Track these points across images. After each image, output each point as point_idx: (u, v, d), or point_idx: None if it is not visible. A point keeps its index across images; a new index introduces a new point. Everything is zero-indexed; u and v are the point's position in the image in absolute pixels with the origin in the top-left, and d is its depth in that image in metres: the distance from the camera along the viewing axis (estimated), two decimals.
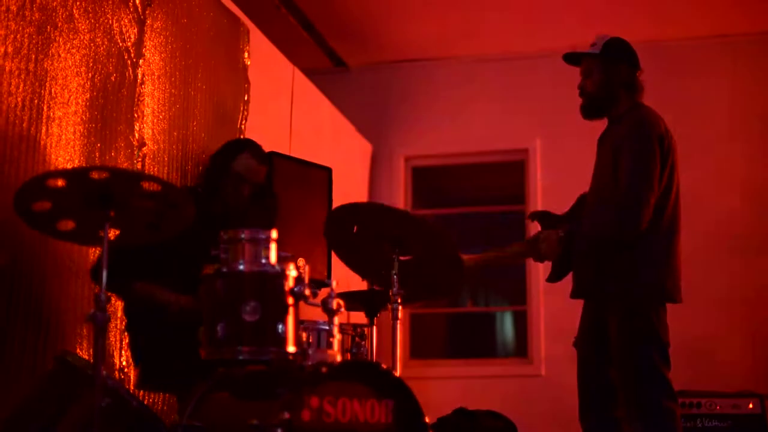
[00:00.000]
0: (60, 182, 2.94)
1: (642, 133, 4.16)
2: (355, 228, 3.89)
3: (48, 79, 4.04)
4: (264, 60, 6.14)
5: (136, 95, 4.72)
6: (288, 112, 6.58)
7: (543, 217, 4.54)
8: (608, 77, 4.32)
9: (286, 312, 3.19)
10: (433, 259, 3.93)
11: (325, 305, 3.30)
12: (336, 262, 5.62)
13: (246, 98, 5.84)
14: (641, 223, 4.04)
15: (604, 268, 4.17)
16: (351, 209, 3.90)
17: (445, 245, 3.87)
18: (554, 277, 4.45)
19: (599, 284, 4.20)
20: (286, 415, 2.91)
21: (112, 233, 3.11)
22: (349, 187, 7.40)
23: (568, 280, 4.44)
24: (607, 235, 4.14)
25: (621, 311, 4.11)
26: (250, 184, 4.38)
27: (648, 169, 4.08)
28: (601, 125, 4.47)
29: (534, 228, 4.61)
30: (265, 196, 4.52)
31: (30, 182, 3.03)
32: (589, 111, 4.38)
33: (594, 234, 4.19)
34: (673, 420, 4.03)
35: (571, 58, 4.45)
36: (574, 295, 4.34)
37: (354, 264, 4.11)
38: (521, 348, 8.03)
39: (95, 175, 2.94)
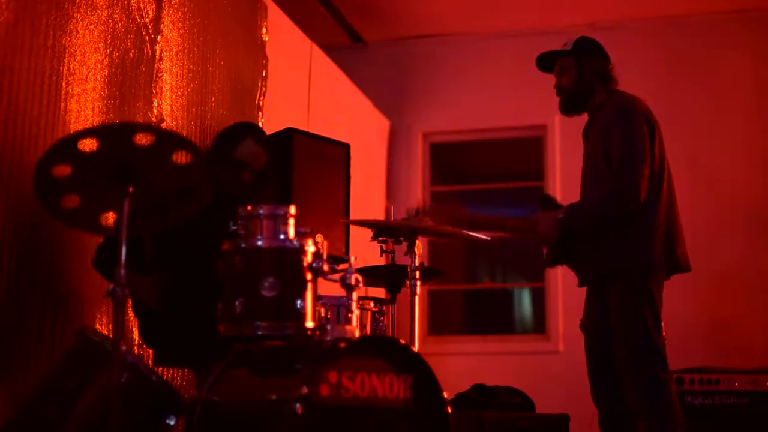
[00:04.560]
0: (92, 144, 2.88)
1: (626, 112, 4.25)
2: None
3: (66, 55, 4.04)
4: (282, 36, 6.13)
5: (155, 71, 4.72)
6: (306, 88, 6.58)
7: (544, 200, 4.55)
8: (582, 72, 4.41)
9: (304, 287, 3.19)
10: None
11: (344, 281, 3.31)
12: (354, 237, 5.64)
13: (264, 74, 5.83)
14: (639, 194, 4.09)
15: (602, 247, 4.20)
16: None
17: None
18: (550, 261, 4.48)
19: (600, 263, 4.23)
20: (305, 390, 2.92)
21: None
22: (367, 164, 7.39)
23: None
24: (606, 209, 4.17)
25: (621, 283, 4.16)
26: (251, 170, 4.31)
27: (638, 143, 4.15)
28: None
29: None
30: (265, 182, 4.40)
31: (60, 142, 2.98)
32: (568, 107, 4.50)
33: (593, 210, 4.22)
34: (664, 390, 4.05)
35: (544, 62, 4.54)
36: (582, 283, 4.38)
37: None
38: (539, 324, 8.04)
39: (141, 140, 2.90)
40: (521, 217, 4.59)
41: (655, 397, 4.06)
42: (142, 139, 2.90)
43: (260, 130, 4.43)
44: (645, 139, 4.16)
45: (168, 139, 3.01)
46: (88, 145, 2.87)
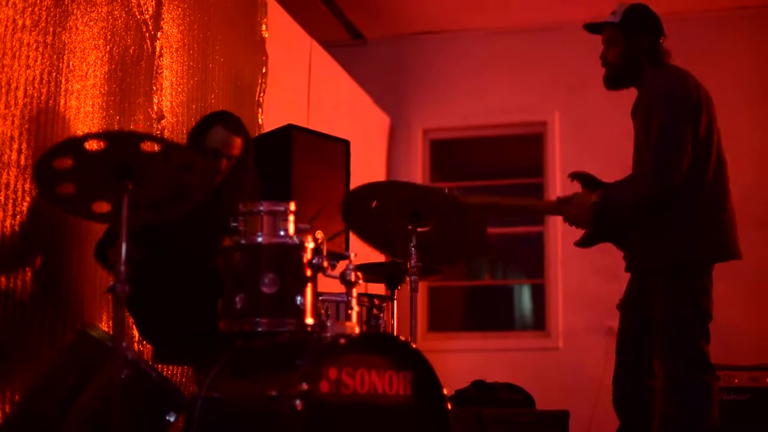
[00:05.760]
0: (99, 144, 2.90)
1: (666, 96, 4.11)
2: (374, 203, 3.85)
3: (66, 51, 4.04)
4: (282, 32, 6.13)
5: (155, 68, 4.72)
6: (306, 85, 6.58)
7: (584, 178, 4.43)
8: (630, 47, 4.25)
9: (304, 284, 3.19)
10: (453, 226, 3.92)
11: (344, 277, 3.31)
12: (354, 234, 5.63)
13: (264, 71, 5.83)
14: (670, 187, 3.99)
15: (643, 241, 4.14)
16: (369, 188, 3.85)
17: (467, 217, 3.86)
18: (583, 242, 4.38)
19: (641, 259, 4.17)
20: (305, 387, 2.92)
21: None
22: (367, 160, 7.39)
23: (587, 254, 4.40)
24: (638, 202, 4.10)
25: (663, 279, 4.09)
26: (227, 157, 4.21)
27: (675, 132, 4.02)
28: (618, 95, 4.43)
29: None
30: (241, 171, 4.30)
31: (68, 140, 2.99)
32: (613, 82, 4.32)
33: (627, 201, 4.15)
34: (707, 394, 4.00)
35: (592, 26, 4.40)
36: (628, 268, 4.31)
37: (372, 239, 4.08)
38: (539, 321, 8.04)
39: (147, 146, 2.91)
40: (556, 199, 4.44)
41: (690, 398, 3.98)
42: (148, 147, 2.91)
43: (231, 117, 4.30)
44: (683, 127, 4.03)
45: (174, 151, 3.02)
46: (95, 144, 2.88)
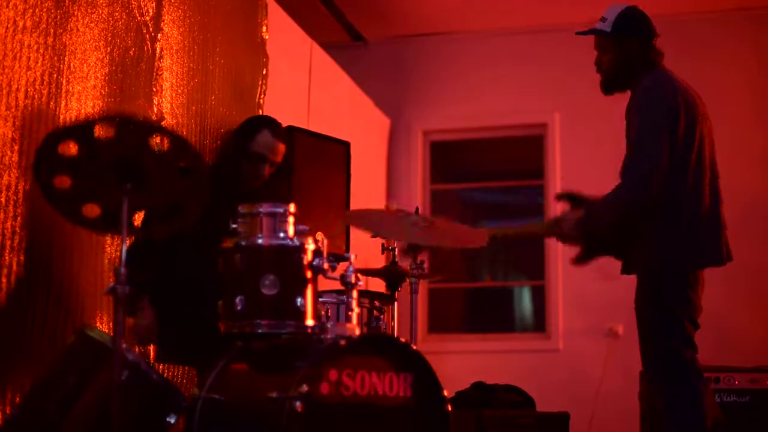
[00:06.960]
0: (108, 131, 2.90)
1: (644, 105, 4.10)
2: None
3: (67, 53, 4.04)
4: (282, 34, 6.13)
5: (155, 69, 4.72)
6: (306, 87, 6.58)
7: (570, 197, 4.43)
8: (621, 54, 4.25)
9: (305, 286, 3.20)
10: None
11: (344, 279, 3.31)
12: (354, 236, 5.64)
13: (264, 72, 5.83)
14: (647, 197, 3.99)
15: (628, 239, 4.16)
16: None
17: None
18: (580, 258, 4.40)
19: (625, 255, 4.20)
20: (305, 388, 2.92)
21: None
22: (367, 162, 7.39)
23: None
24: (616, 212, 4.10)
25: (642, 279, 4.11)
26: (270, 163, 4.34)
27: (650, 141, 4.01)
28: (618, 97, 4.44)
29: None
30: (278, 176, 4.43)
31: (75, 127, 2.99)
32: (609, 88, 4.34)
33: (607, 213, 4.15)
34: (689, 398, 3.98)
35: (585, 33, 4.41)
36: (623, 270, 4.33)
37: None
38: (539, 322, 8.04)
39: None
40: (547, 220, 4.48)
41: (671, 403, 3.97)
42: (156, 142, 2.92)
43: (276, 123, 4.43)
44: (658, 134, 4.01)
45: (180, 149, 3.01)
46: (104, 131, 2.88)
